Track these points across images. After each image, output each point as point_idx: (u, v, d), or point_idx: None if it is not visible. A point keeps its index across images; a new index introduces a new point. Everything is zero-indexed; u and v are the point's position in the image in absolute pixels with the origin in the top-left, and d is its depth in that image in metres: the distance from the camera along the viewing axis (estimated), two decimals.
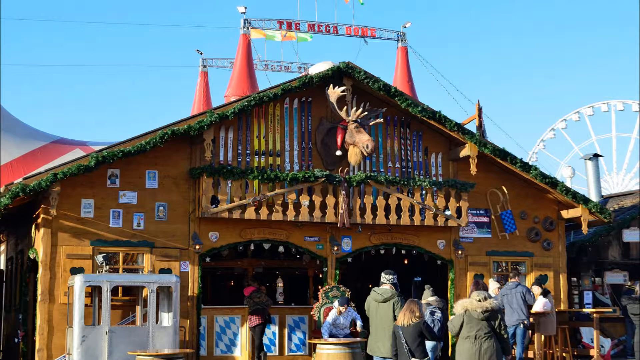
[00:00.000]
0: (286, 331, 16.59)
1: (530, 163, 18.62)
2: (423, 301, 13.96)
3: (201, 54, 29.73)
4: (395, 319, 11.53)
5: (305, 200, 16.16)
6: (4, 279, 19.32)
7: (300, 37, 27.95)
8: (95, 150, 15.42)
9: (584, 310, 18.82)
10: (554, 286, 18.12)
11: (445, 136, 17.70)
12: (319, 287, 16.70)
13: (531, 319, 16.01)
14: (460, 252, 17.53)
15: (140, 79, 77.79)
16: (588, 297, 19.80)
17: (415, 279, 18.99)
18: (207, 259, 16.08)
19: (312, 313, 16.15)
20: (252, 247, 16.94)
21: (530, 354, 16.32)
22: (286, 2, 70.83)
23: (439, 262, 17.61)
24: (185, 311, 15.41)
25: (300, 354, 16.58)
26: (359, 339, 13.53)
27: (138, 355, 12.26)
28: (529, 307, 15.84)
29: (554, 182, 18.07)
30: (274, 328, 16.48)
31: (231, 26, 63.09)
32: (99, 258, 14.54)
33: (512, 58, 79.26)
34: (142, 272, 15.21)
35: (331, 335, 14.38)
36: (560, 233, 18.65)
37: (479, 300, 10.36)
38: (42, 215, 14.77)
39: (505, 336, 10.41)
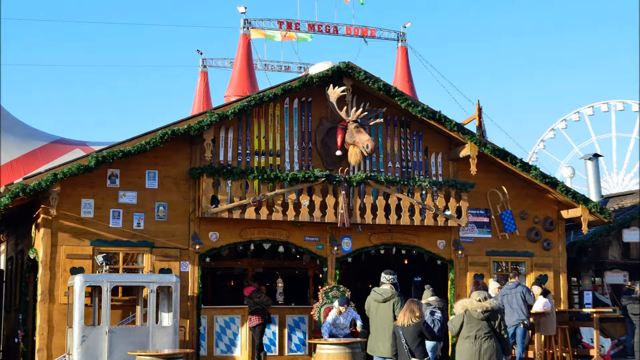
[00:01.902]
0: (286, 331, 16.59)
1: (530, 163, 18.62)
2: (423, 301, 13.96)
3: (201, 54, 29.78)
4: (395, 319, 11.53)
5: (305, 200, 16.16)
6: (4, 279, 19.32)
7: (300, 37, 27.95)
8: (95, 150, 15.43)
9: (584, 310, 18.82)
10: (554, 286, 18.12)
11: (445, 136, 17.70)
12: (319, 287, 16.70)
13: (531, 319, 16.01)
14: (460, 252, 17.53)
15: (140, 79, 77.91)
16: (588, 297, 19.80)
17: (415, 279, 18.99)
18: (207, 259, 16.08)
19: (312, 313, 16.15)
20: (252, 247, 16.94)
21: (530, 354, 16.32)
22: (286, 2, 70.89)
23: (439, 262, 17.61)
24: (185, 311, 15.41)
25: (300, 354, 16.58)
26: (359, 339, 13.53)
27: (138, 355, 12.26)
28: (529, 307, 15.84)
29: (554, 182, 18.07)
30: (274, 328, 16.48)
31: (231, 26, 63.19)
32: (99, 258, 14.54)
33: (512, 58, 79.38)
34: (142, 272, 15.21)
35: (331, 335, 14.38)
36: (560, 233, 18.65)
37: (479, 300, 10.36)
38: (42, 215, 14.76)
39: (505, 336, 10.40)
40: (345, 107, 16.73)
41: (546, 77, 77.81)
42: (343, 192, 16.26)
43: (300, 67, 28.83)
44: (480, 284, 14.12)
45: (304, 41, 28.36)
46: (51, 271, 14.77)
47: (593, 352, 17.17)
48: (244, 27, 25.67)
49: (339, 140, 16.60)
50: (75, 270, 14.66)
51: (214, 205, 15.56)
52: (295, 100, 16.89)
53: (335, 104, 16.61)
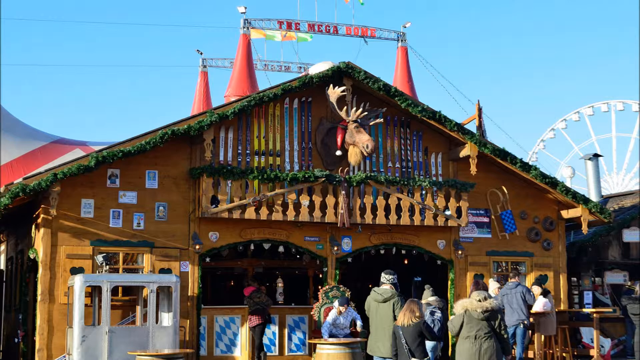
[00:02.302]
0: (286, 331, 16.58)
1: (530, 163, 18.62)
2: (423, 301, 13.96)
3: (201, 54, 29.77)
4: (395, 319, 11.53)
5: (305, 200, 16.16)
6: (4, 279, 19.32)
7: (300, 37, 27.95)
8: (95, 150, 15.43)
9: (584, 310, 18.82)
10: (554, 286, 18.12)
11: (445, 136, 17.70)
12: (319, 287, 16.70)
13: (531, 319, 16.01)
14: (460, 252, 17.53)
15: (140, 79, 77.91)
16: (588, 297, 19.80)
17: (415, 279, 18.99)
18: (207, 259, 16.08)
19: (312, 313, 16.15)
20: (252, 247, 16.94)
21: (530, 354, 16.32)
22: (286, 2, 70.90)
23: (439, 262, 17.60)
24: (185, 311, 15.41)
25: (300, 354, 16.58)
26: (359, 339, 13.53)
27: (138, 355, 12.26)
28: (529, 307, 15.83)
29: (554, 182, 18.07)
30: (274, 328, 16.47)
31: (231, 26, 63.22)
32: (99, 258, 14.54)
33: (512, 58, 79.36)
34: (142, 272, 15.21)
35: (331, 335, 14.38)
36: (560, 233, 18.65)
37: (479, 300, 10.36)
38: (42, 215, 14.76)
39: (505, 336, 10.40)
40: (345, 107, 16.73)
41: (546, 77, 77.89)
42: (343, 192, 16.26)
43: (300, 67, 28.84)
44: (480, 284, 14.13)
45: (304, 41, 28.37)
46: (51, 271, 14.77)
47: (593, 352, 17.17)
48: (244, 27, 25.67)
49: (339, 140, 16.59)
50: (75, 270, 14.66)
51: (214, 205, 15.56)
52: (295, 100, 16.88)
53: (335, 104, 16.61)
